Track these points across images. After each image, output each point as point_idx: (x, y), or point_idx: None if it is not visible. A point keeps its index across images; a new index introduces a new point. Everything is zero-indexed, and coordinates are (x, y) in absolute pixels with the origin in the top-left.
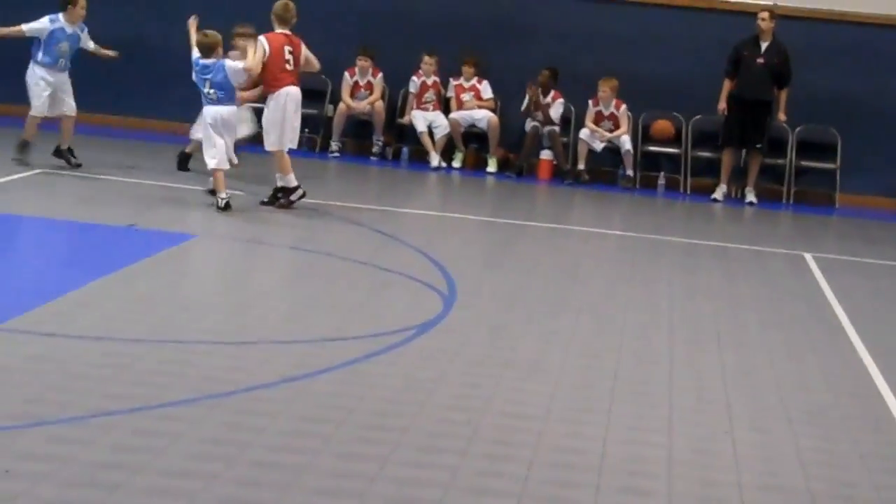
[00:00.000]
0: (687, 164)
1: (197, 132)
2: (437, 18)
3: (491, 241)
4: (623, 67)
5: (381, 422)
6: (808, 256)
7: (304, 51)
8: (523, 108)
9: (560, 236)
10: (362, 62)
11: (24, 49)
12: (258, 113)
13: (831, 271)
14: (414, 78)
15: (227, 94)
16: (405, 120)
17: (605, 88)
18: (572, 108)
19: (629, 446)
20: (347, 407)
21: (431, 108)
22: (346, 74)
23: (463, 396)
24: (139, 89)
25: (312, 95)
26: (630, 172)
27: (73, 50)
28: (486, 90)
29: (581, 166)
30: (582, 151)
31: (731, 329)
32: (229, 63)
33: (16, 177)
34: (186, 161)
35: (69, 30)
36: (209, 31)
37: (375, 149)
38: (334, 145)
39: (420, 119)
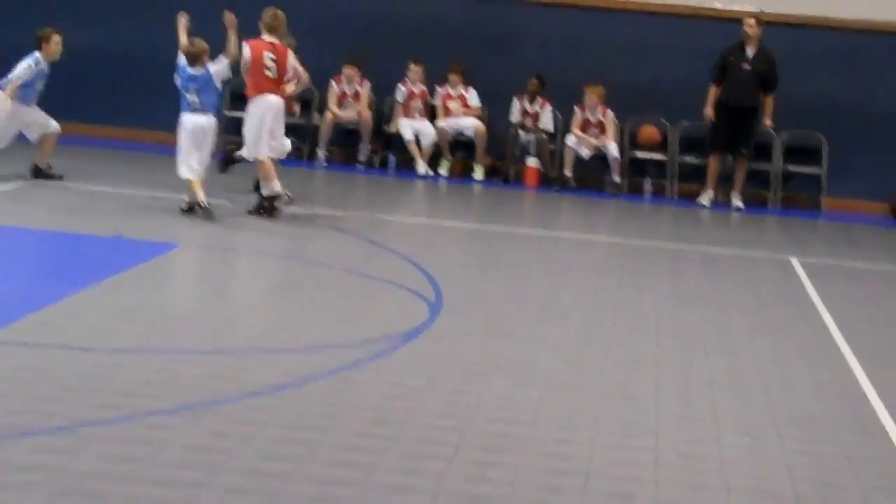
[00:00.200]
0: (673, 169)
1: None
2: (424, 27)
3: (478, 249)
4: (609, 74)
5: (369, 429)
6: (794, 261)
7: (291, 62)
8: (513, 117)
9: (547, 243)
10: (349, 71)
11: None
12: None
13: (818, 276)
14: (400, 86)
15: (210, 103)
16: (392, 128)
17: (591, 95)
18: (559, 115)
19: (617, 451)
20: (335, 415)
21: (418, 115)
22: (333, 83)
23: (450, 403)
24: (126, 100)
25: (299, 104)
26: (617, 179)
27: (43, 86)
28: (472, 98)
29: (568, 173)
30: (569, 158)
31: (718, 334)
32: (214, 69)
33: (1, 188)
34: (230, 163)
35: (46, 68)
36: (196, 41)
37: (362, 157)
38: (321, 154)
39: (407, 127)
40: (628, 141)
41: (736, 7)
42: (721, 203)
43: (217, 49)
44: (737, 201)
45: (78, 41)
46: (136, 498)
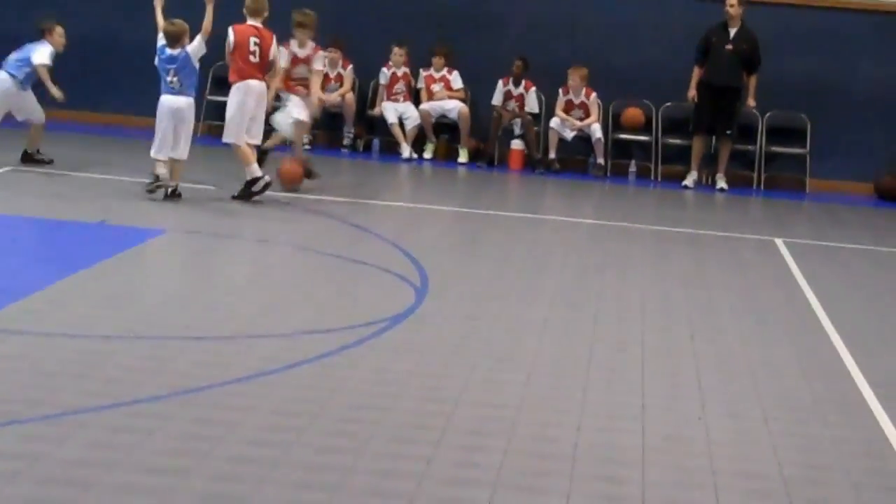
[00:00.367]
0: (658, 151)
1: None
2: (407, 9)
3: (463, 232)
4: (593, 56)
5: (355, 414)
6: (779, 241)
7: (273, 49)
8: (495, 100)
9: (532, 226)
10: (332, 54)
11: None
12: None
13: (802, 256)
14: (384, 69)
15: (188, 84)
16: (376, 111)
17: (575, 77)
18: (542, 98)
19: (603, 434)
20: (321, 400)
21: (402, 99)
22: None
23: (436, 387)
24: (111, 85)
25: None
26: (601, 161)
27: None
28: (456, 80)
29: (552, 155)
30: (553, 140)
31: (703, 315)
32: (190, 48)
33: None
34: (263, 158)
35: None
36: (176, 20)
37: (346, 141)
38: (305, 138)
39: (391, 110)
40: (612, 123)
41: None
42: (705, 184)
43: (198, 31)
44: (721, 182)
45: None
46: (122, 486)
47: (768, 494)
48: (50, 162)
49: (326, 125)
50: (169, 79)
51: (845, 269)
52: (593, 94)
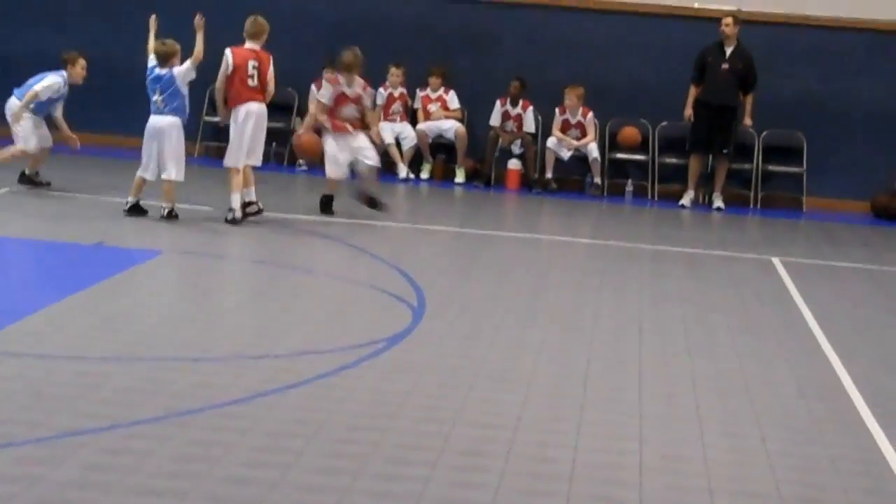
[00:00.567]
0: (654, 170)
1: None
2: (403, 30)
3: (460, 252)
4: (589, 75)
5: (353, 435)
6: (776, 261)
7: (271, 71)
8: (492, 120)
9: (529, 245)
10: (328, 75)
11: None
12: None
13: (799, 275)
14: (381, 90)
15: (173, 105)
16: (372, 132)
17: (571, 96)
18: (539, 117)
19: (600, 454)
20: (318, 421)
21: (399, 119)
22: (313, 87)
23: (433, 408)
24: (105, 106)
25: (279, 109)
26: (598, 180)
27: (57, 107)
28: (452, 100)
29: (549, 175)
30: (549, 160)
31: (701, 334)
32: (177, 70)
33: None
34: (329, 204)
35: (65, 90)
36: (168, 41)
37: None
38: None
39: (387, 130)
40: (609, 142)
41: (714, 6)
42: (702, 203)
43: (190, 54)
44: (718, 201)
45: (55, 47)
46: None
47: None
48: (47, 185)
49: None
50: (154, 98)
51: (842, 287)
52: (590, 114)
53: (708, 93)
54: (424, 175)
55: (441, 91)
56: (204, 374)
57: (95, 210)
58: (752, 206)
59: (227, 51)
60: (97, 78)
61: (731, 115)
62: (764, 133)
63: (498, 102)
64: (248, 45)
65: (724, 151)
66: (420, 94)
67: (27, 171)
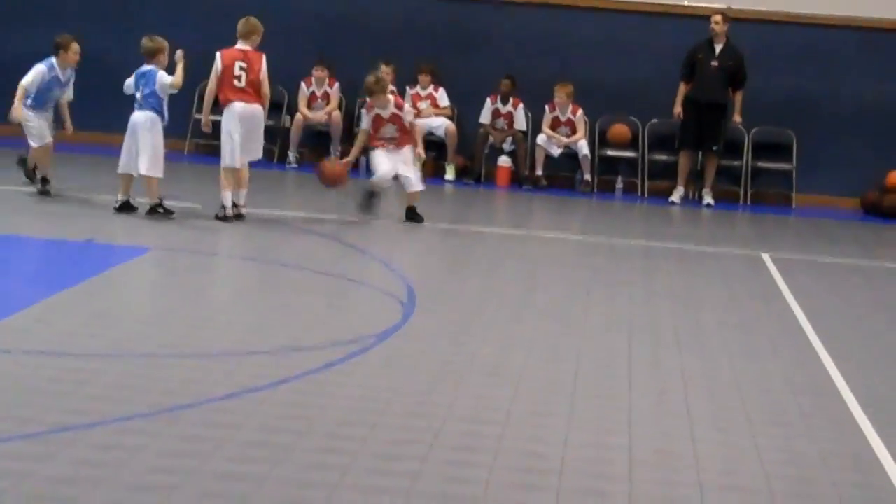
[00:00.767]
0: (644, 167)
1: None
2: (393, 27)
3: (450, 248)
4: (579, 72)
5: (343, 431)
6: (765, 257)
7: (263, 71)
8: (483, 118)
9: (519, 242)
10: (319, 72)
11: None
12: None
13: (789, 271)
14: None
15: (150, 102)
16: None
17: (561, 94)
18: (529, 114)
19: (590, 449)
20: (308, 417)
21: None
22: (303, 85)
23: (423, 403)
24: (99, 104)
25: (269, 107)
26: (588, 177)
27: (61, 94)
28: (442, 98)
29: (539, 172)
30: (539, 157)
31: (691, 330)
32: (160, 75)
33: None
34: (371, 200)
35: (62, 76)
36: (156, 37)
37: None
38: (292, 156)
39: None
40: (598, 139)
41: (704, 4)
42: (692, 200)
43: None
44: (708, 198)
45: (48, 45)
46: (108, 503)
47: None
48: (43, 184)
49: (313, 143)
50: (137, 94)
51: (832, 283)
52: (580, 111)
53: (697, 90)
54: None
55: (431, 88)
56: (194, 370)
57: (86, 207)
58: (741, 202)
59: (217, 54)
60: (92, 77)
61: (721, 112)
62: (753, 130)
63: (488, 100)
64: (239, 45)
65: (714, 148)
66: (410, 91)
67: (28, 161)
